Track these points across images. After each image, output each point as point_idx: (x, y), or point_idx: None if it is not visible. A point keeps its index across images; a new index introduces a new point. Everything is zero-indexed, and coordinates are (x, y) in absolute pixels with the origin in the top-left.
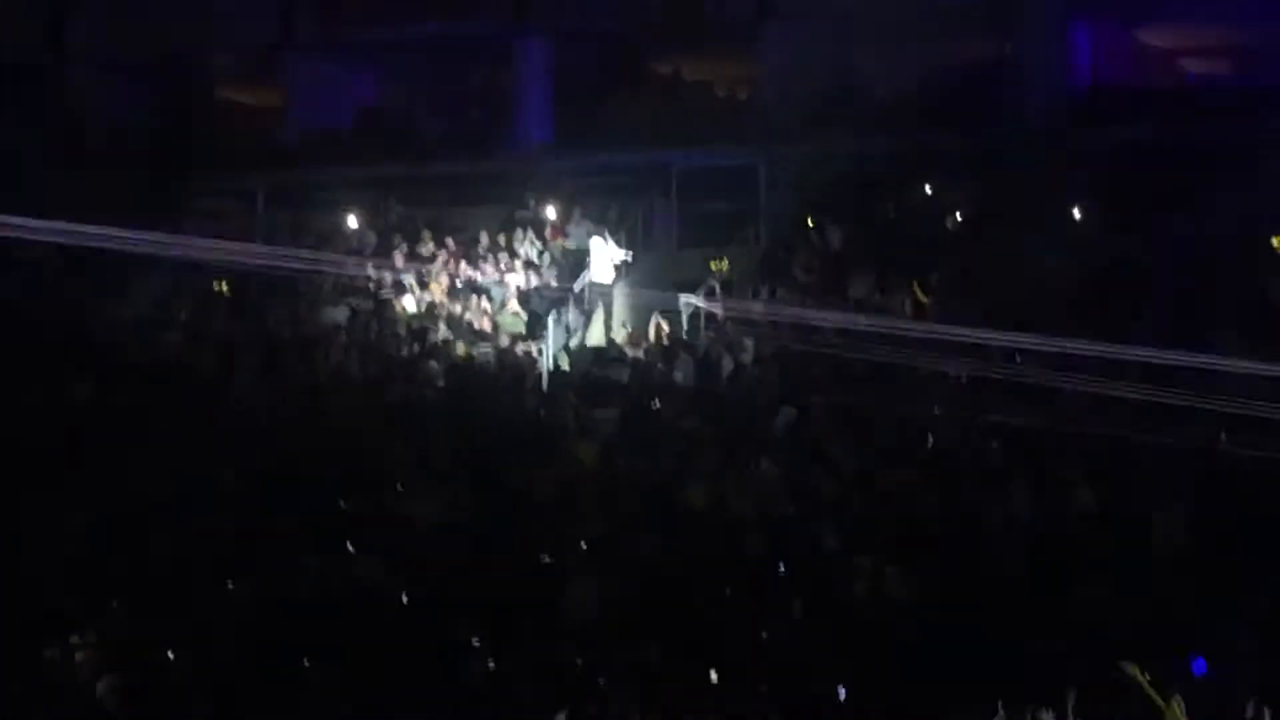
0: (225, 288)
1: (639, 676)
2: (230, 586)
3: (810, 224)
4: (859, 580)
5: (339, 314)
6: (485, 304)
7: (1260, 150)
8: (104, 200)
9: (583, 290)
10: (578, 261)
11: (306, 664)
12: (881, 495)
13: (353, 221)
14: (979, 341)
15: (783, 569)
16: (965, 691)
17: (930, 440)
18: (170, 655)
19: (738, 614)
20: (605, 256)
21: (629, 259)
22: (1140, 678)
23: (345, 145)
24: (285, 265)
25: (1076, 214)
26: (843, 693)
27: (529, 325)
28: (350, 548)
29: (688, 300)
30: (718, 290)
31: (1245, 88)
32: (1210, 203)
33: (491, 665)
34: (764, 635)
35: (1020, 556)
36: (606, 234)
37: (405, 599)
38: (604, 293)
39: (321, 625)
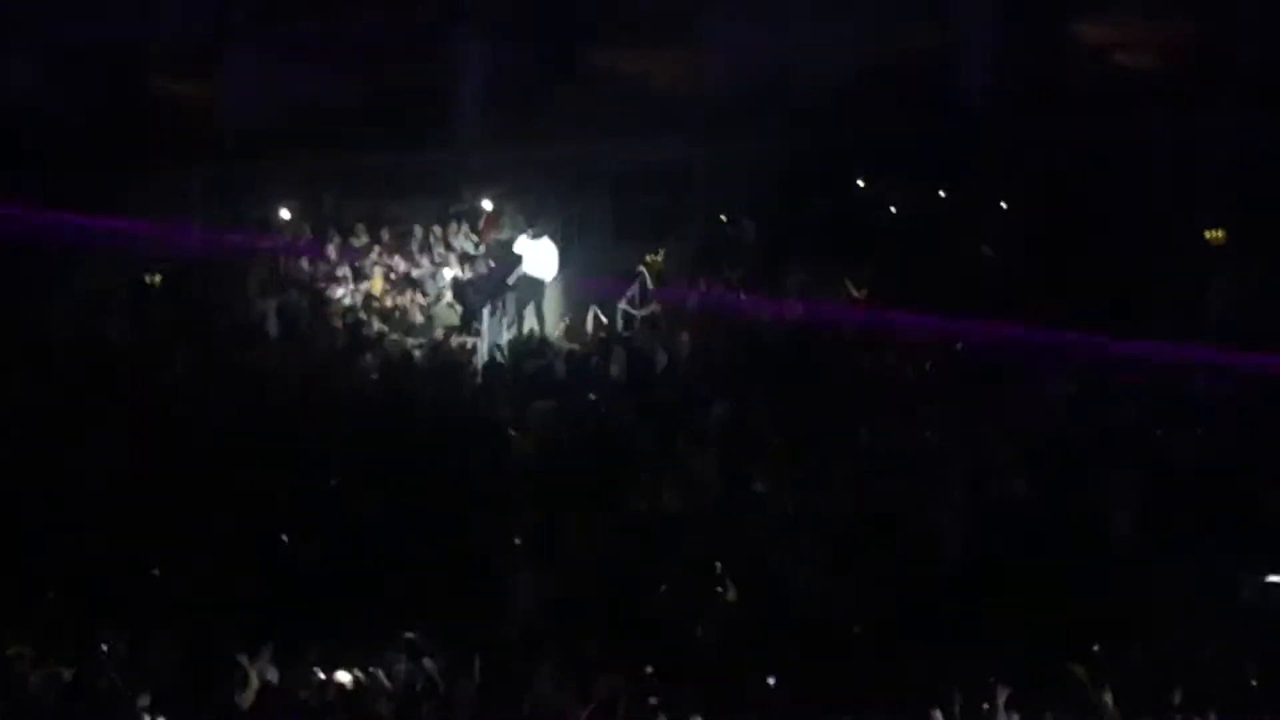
0: (159, 280)
1: (575, 669)
2: (159, 576)
3: (745, 218)
4: (794, 572)
5: (274, 306)
6: (420, 297)
7: (1195, 143)
8: (37, 193)
9: (517, 283)
10: (512, 255)
11: (239, 659)
12: (816, 488)
13: (287, 214)
14: (915, 334)
15: (718, 562)
16: (900, 685)
17: (865, 433)
18: (104, 649)
19: (673, 606)
20: (538, 250)
21: (560, 252)
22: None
23: (280, 138)
24: (220, 258)
25: (1012, 207)
26: (773, 682)
27: (464, 318)
28: (285, 539)
29: (623, 294)
30: (653, 284)
31: (1180, 81)
32: (1147, 196)
33: (428, 661)
34: (699, 628)
35: (957, 548)
36: (540, 228)
37: (341, 591)
38: (538, 286)
39: (256, 616)
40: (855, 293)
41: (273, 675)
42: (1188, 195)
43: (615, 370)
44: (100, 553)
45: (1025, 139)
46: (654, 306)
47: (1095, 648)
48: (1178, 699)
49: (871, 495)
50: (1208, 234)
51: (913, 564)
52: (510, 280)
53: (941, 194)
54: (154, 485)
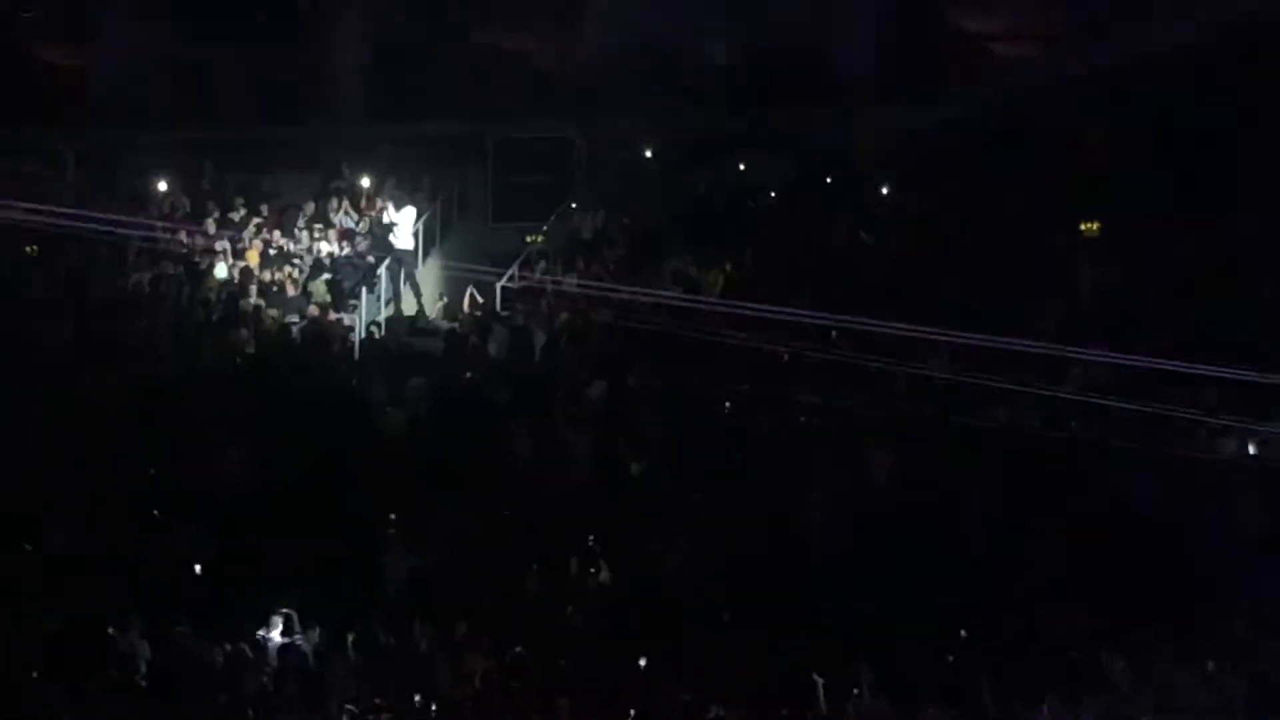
0: (34, 250)
1: (446, 649)
2: (29, 550)
3: (625, 199)
4: (666, 554)
5: (148, 279)
6: (297, 272)
7: (1073, 134)
8: None
9: (393, 260)
10: (390, 232)
11: (110, 632)
12: (689, 469)
13: (164, 185)
14: (791, 319)
15: (591, 541)
16: (770, 667)
17: (740, 416)
18: None
19: (544, 586)
20: (405, 224)
21: (440, 231)
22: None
23: (157, 107)
24: (94, 229)
25: (889, 192)
26: (643, 663)
27: (341, 294)
28: (157, 514)
29: (502, 273)
30: (532, 263)
31: (1060, 71)
32: (1022, 186)
33: (298, 638)
34: (569, 608)
35: (828, 532)
36: (413, 204)
37: (212, 566)
38: (408, 260)
39: (128, 591)
40: (732, 275)
41: (144, 650)
42: (1064, 182)
43: (493, 349)
44: None
45: (904, 122)
46: (532, 285)
47: (963, 633)
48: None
49: (745, 478)
50: (1083, 225)
51: (785, 547)
52: (384, 257)
53: (820, 177)
54: (23, 458)
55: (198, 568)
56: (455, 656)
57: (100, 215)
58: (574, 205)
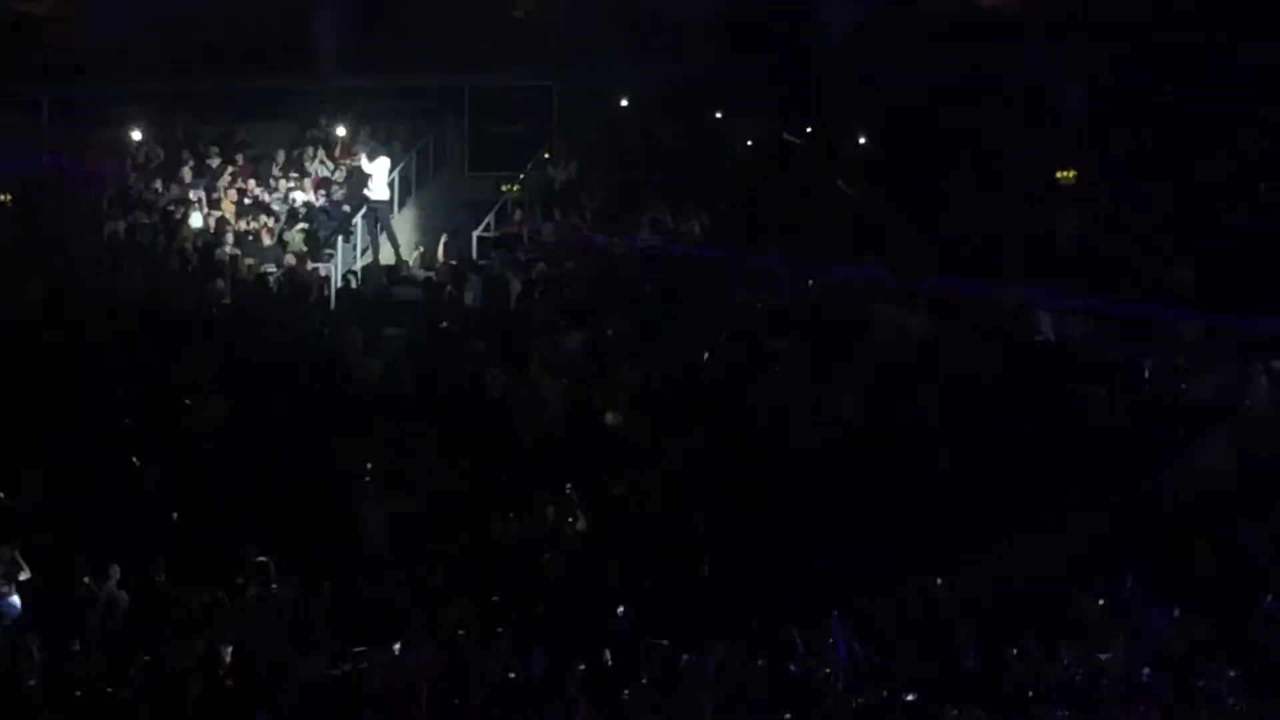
0: (7, 199)
1: (424, 598)
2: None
3: (602, 148)
4: (643, 501)
5: (123, 228)
6: (273, 222)
7: (1048, 81)
8: None
9: (369, 209)
10: (365, 181)
11: (85, 581)
12: (667, 417)
13: (139, 135)
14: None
15: (569, 489)
16: (752, 610)
17: (718, 364)
18: None
19: (521, 535)
20: (375, 171)
21: (416, 180)
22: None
23: (134, 58)
24: (71, 178)
25: (866, 141)
26: (622, 611)
27: (317, 243)
28: (135, 460)
29: (479, 222)
30: (508, 212)
31: (1035, 17)
32: (998, 133)
33: (277, 586)
34: (546, 556)
35: (805, 475)
36: (388, 154)
37: (189, 515)
38: (383, 210)
39: (105, 538)
40: (707, 224)
41: (122, 600)
42: (1040, 131)
43: (469, 298)
44: None
45: (880, 70)
46: (509, 234)
47: (938, 579)
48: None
49: (716, 425)
50: (1059, 174)
51: (763, 494)
52: (359, 206)
53: (797, 127)
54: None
55: (174, 516)
56: (432, 605)
57: (75, 164)
58: (550, 155)
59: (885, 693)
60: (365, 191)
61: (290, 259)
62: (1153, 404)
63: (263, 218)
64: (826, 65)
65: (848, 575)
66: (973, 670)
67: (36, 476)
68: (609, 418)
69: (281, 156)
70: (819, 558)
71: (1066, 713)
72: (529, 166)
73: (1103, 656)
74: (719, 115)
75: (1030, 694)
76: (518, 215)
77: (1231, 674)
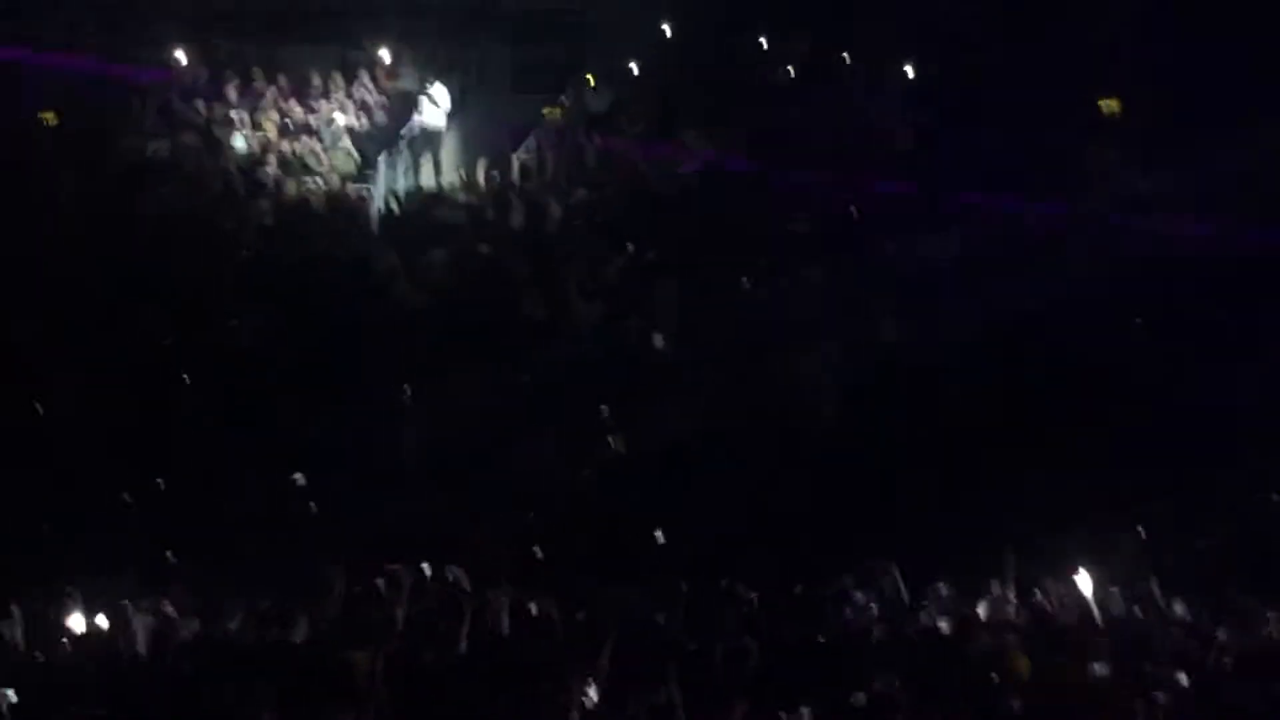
0: (52, 118)
1: (460, 519)
2: (43, 414)
3: (642, 72)
4: (681, 436)
5: (166, 148)
6: (316, 144)
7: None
8: None
9: (413, 133)
10: (409, 104)
11: (127, 499)
12: (705, 344)
13: (181, 55)
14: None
15: (605, 411)
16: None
17: (756, 291)
18: None
19: (557, 462)
20: (434, 100)
21: (458, 102)
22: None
23: None
24: (114, 96)
25: (910, 69)
26: (660, 537)
27: (360, 167)
28: (183, 378)
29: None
30: (549, 135)
31: None
32: (1039, 56)
33: (312, 506)
34: (584, 477)
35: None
36: (436, 77)
37: (229, 438)
38: (434, 136)
39: (141, 462)
40: (749, 150)
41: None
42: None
43: (510, 221)
44: None
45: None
46: (550, 157)
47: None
48: None
49: (760, 351)
50: (1102, 103)
51: (799, 423)
52: (405, 130)
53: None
54: (35, 327)
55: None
56: (469, 527)
57: (118, 81)
58: (591, 77)
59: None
60: (416, 116)
61: (333, 181)
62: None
63: (306, 139)
64: None
65: (885, 506)
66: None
67: (73, 397)
68: (655, 340)
69: (325, 78)
70: (853, 487)
71: None
72: (569, 90)
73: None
74: (760, 39)
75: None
76: (558, 139)
77: None
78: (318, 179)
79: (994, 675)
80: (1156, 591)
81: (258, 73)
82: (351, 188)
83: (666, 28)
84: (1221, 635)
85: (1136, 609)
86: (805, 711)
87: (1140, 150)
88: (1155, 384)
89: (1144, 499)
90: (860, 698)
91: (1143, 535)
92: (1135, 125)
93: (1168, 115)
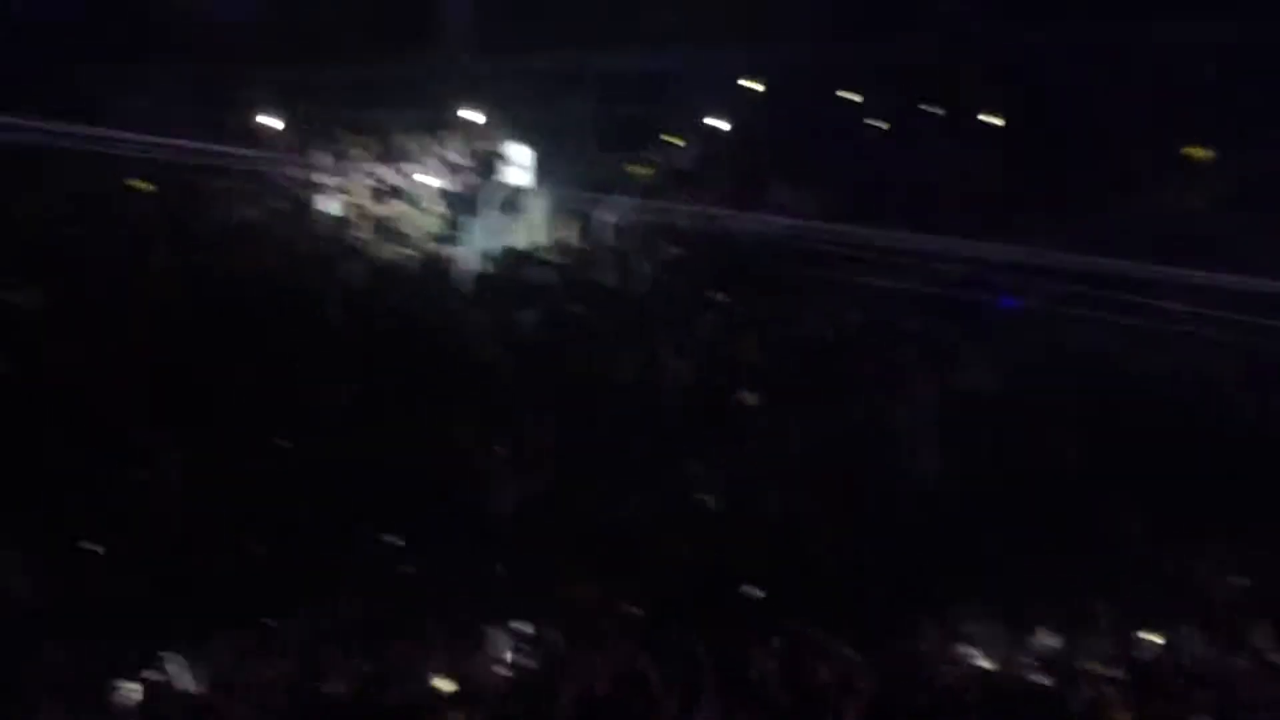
0: (142, 184)
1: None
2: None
3: (729, 130)
4: (769, 491)
5: (257, 213)
6: (405, 206)
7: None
8: (18, 93)
9: (501, 194)
10: (496, 165)
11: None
12: (797, 399)
13: (272, 121)
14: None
15: (700, 464)
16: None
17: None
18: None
19: (650, 514)
20: (520, 160)
21: (545, 163)
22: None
23: (266, 45)
24: (203, 162)
25: (999, 121)
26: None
27: (449, 228)
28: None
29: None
30: (636, 194)
31: None
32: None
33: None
34: (682, 539)
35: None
36: (521, 137)
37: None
38: (521, 196)
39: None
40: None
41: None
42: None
43: (601, 280)
44: (73, 457)
45: (1011, 48)
46: (638, 217)
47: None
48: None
49: (848, 416)
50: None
51: (890, 481)
52: (491, 190)
53: (924, 107)
54: (132, 388)
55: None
56: (557, 584)
57: (209, 148)
58: (677, 136)
59: None
60: (503, 176)
61: (424, 244)
62: None
63: (395, 203)
64: (953, 43)
65: (977, 555)
66: None
67: (169, 453)
68: (743, 397)
69: (414, 142)
70: (943, 536)
71: None
72: (654, 148)
73: None
74: (855, 97)
75: None
76: (647, 197)
77: None
78: (408, 241)
79: None
80: (1261, 642)
81: (347, 136)
82: (442, 250)
83: (754, 84)
84: None
85: (1239, 659)
86: None
87: None
88: (1259, 428)
89: (1247, 548)
90: None
91: (1246, 584)
92: None
93: None
